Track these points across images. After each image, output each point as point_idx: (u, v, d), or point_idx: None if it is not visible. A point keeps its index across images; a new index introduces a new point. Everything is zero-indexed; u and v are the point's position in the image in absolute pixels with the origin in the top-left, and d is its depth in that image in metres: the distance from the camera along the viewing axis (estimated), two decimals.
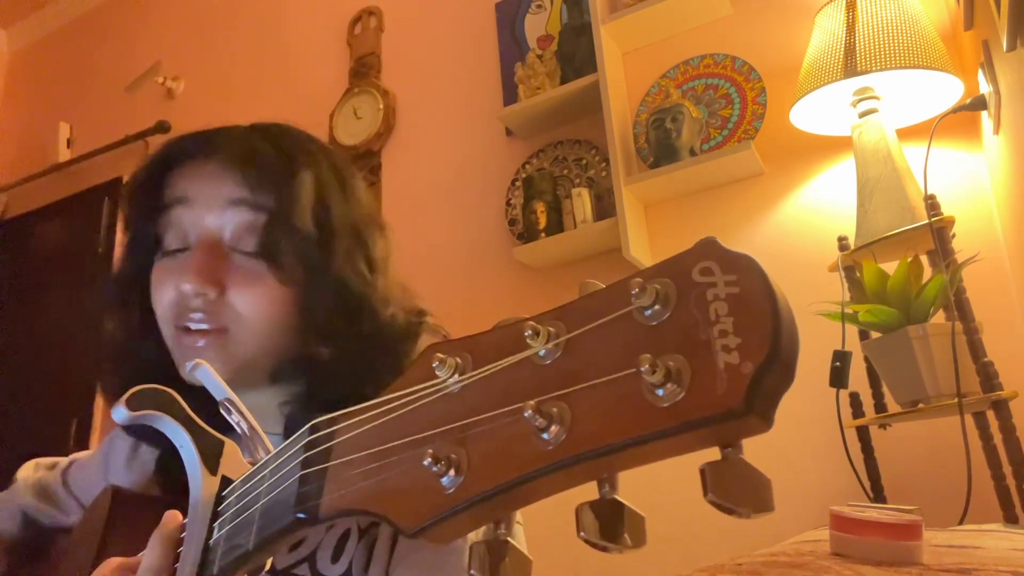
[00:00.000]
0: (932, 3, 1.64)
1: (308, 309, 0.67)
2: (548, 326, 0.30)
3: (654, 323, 0.27)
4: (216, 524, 0.45)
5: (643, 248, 1.83)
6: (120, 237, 2.98)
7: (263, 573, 0.46)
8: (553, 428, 0.28)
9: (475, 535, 0.31)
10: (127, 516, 0.63)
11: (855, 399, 1.41)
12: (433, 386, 0.33)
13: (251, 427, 0.48)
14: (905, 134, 1.54)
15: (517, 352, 0.30)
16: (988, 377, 1.22)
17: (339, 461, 0.36)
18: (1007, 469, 1.21)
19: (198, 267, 0.64)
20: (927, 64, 1.42)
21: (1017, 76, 1.14)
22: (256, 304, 0.65)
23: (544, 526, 1.82)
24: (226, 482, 0.47)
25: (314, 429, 0.39)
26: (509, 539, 0.30)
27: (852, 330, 1.42)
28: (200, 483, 0.47)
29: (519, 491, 0.29)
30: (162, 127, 2.90)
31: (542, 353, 0.29)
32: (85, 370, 2.79)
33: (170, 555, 0.47)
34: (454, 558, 0.60)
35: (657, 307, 0.27)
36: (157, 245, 0.69)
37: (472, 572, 0.29)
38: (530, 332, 0.29)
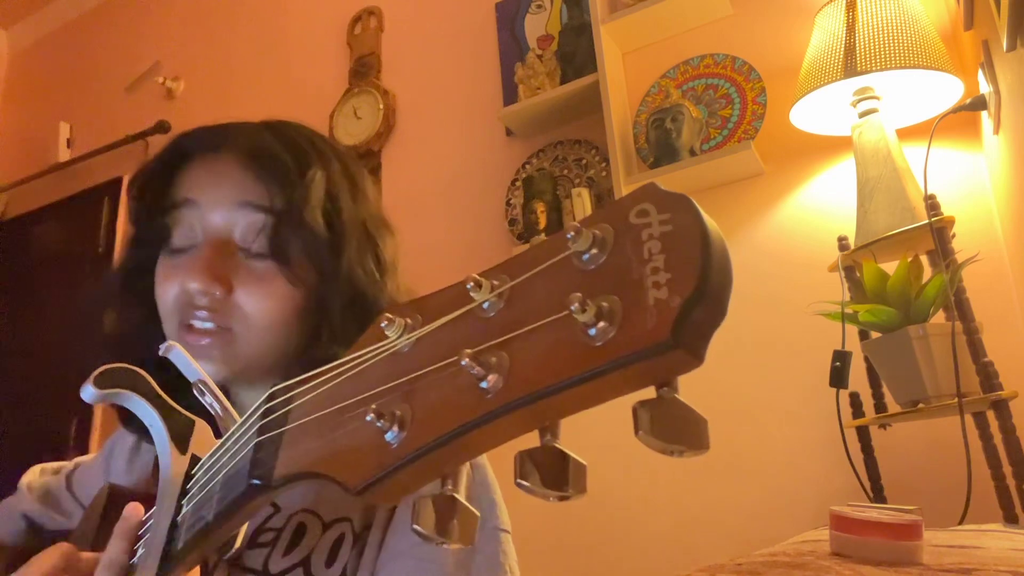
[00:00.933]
0: (932, 3, 1.64)
1: (318, 309, 0.66)
2: (492, 279, 0.30)
3: (591, 267, 0.27)
4: (184, 501, 0.45)
5: None
6: (120, 236, 2.98)
7: (233, 549, 0.46)
8: (491, 377, 0.27)
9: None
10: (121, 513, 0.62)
11: (855, 399, 1.41)
12: (383, 346, 0.33)
13: (224, 408, 0.48)
14: (905, 134, 1.54)
15: (463, 306, 0.30)
16: (988, 377, 1.22)
17: (293, 425, 0.36)
18: (1007, 469, 1.21)
19: (205, 266, 0.63)
20: (927, 64, 1.42)
21: (1017, 76, 1.14)
22: (264, 305, 0.64)
23: (543, 528, 1.83)
24: (195, 461, 0.47)
25: (271, 397, 0.39)
26: (456, 495, 0.29)
27: (852, 330, 1.42)
28: (169, 462, 0.47)
29: (460, 442, 0.28)
30: (162, 127, 2.90)
31: (485, 305, 0.30)
32: (85, 370, 2.79)
33: (128, 548, 0.47)
34: (434, 567, 0.60)
35: (594, 251, 0.27)
36: (163, 241, 0.68)
37: (415, 527, 0.29)
38: (472, 284, 0.30)
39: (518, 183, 2.12)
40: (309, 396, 0.36)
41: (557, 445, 0.27)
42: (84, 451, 2.66)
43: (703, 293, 0.24)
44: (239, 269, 0.65)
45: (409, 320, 0.32)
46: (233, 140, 0.69)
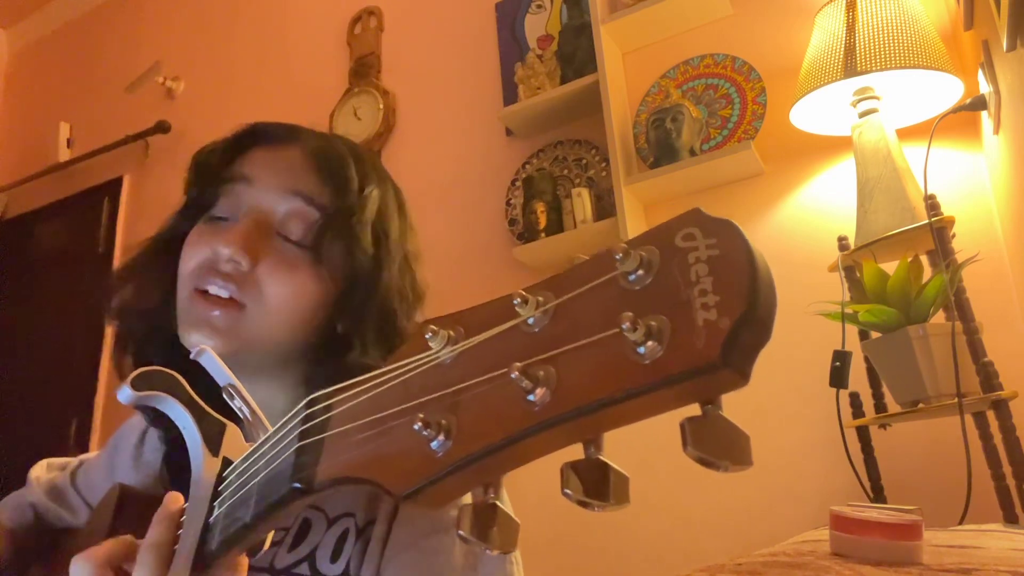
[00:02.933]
0: (932, 3, 1.64)
1: (346, 316, 0.67)
2: (537, 295, 0.30)
3: (637, 288, 0.28)
4: (216, 503, 0.46)
5: None
6: (121, 236, 2.98)
7: (262, 551, 0.47)
8: (539, 390, 0.28)
9: (466, 499, 0.31)
10: (133, 515, 0.63)
11: (855, 399, 1.41)
12: (426, 357, 0.33)
13: (253, 412, 0.49)
14: (905, 134, 1.54)
15: (507, 320, 0.31)
16: (988, 377, 1.22)
17: (335, 431, 0.37)
18: (1007, 469, 1.21)
19: (241, 233, 0.64)
20: (927, 64, 1.42)
21: (1017, 76, 1.14)
22: (283, 289, 0.64)
23: (544, 528, 1.83)
24: (226, 464, 0.48)
25: (311, 403, 0.40)
26: (498, 503, 0.30)
27: (852, 330, 1.42)
28: (201, 463, 0.47)
29: (506, 453, 0.29)
30: (162, 127, 2.90)
31: (531, 321, 0.30)
32: (85, 370, 2.79)
33: (171, 533, 0.47)
34: (441, 558, 0.61)
35: (640, 272, 0.28)
36: (206, 210, 0.69)
37: (460, 532, 0.30)
38: (519, 300, 0.30)
39: (518, 183, 2.12)
40: (351, 403, 0.37)
41: (601, 457, 0.28)
42: (84, 451, 2.66)
43: (752, 315, 0.24)
44: (271, 248, 0.65)
45: (452, 332, 0.33)
46: (304, 138, 0.71)
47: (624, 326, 0.26)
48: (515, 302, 0.30)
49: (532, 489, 1.92)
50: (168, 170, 2.89)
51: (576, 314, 0.29)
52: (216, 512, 0.45)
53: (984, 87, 1.37)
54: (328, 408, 0.38)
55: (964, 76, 1.49)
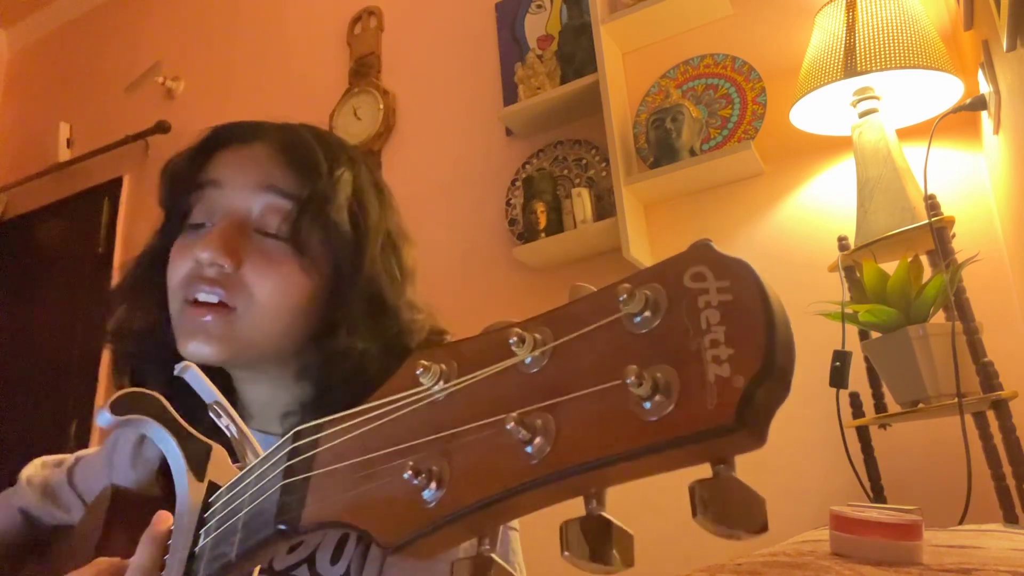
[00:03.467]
0: (932, 3, 1.64)
1: (333, 303, 0.67)
2: (535, 332, 0.29)
3: (643, 331, 0.26)
4: (202, 531, 0.45)
5: (643, 248, 1.83)
6: (121, 236, 2.98)
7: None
8: (537, 440, 0.27)
9: (460, 550, 0.30)
10: (126, 516, 0.62)
11: (855, 399, 1.41)
12: (417, 394, 0.32)
13: (240, 431, 0.48)
14: (905, 134, 1.54)
15: (502, 360, 0.29)
16: (988, 377, 1.22)
17: (321, 471, 0.35)
18: (1007, 469, 1.21)
19: (217, 236, 0.63)
20: (927, 64, 1.42)
21: (1017, 76, 1.14)
22: (271, 285, 0.64)
23: (543, 528, 1.82)
24: (213, 488, 0.47)
25: (297, 436, 0.38)
26: (493, 555, 0.29)
27: (852, 330, 1.42)
28: (187, 490, 0.46)
29: (501, 506, 0.28)
30: (162, 127, 2.90)
31: (528, 361, 0.29)
32: (85, 370, 2.79)
33: (159, 555, 0.46)
34: (443, 564, 0.60)
35: (647, 314, 0.26)
36: (184, 221, 0.69)
37: None
38: (515, 339, 0.28)
39: (518, 183, 2.12)
40: (338, 440, 0.35)
41: (603, 514, 0.27)
42: None
43: (768, 373, 0.23)
44: (251, 247, 0.65)
45: (444, 367, 0.31)
46: (267, 132, 0.71)
47: (629, 380, 0.24)
48: (511, 340, 0.28)
49: None
50: None
51: (576, 357, 0.27)
52: (202, 542, 0.44)
53: (984, 87, 1.37)
54: (315, 444, 0.37)
55: (964, 76, 1.49)
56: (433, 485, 0.29)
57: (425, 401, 0.31)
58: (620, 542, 0.26)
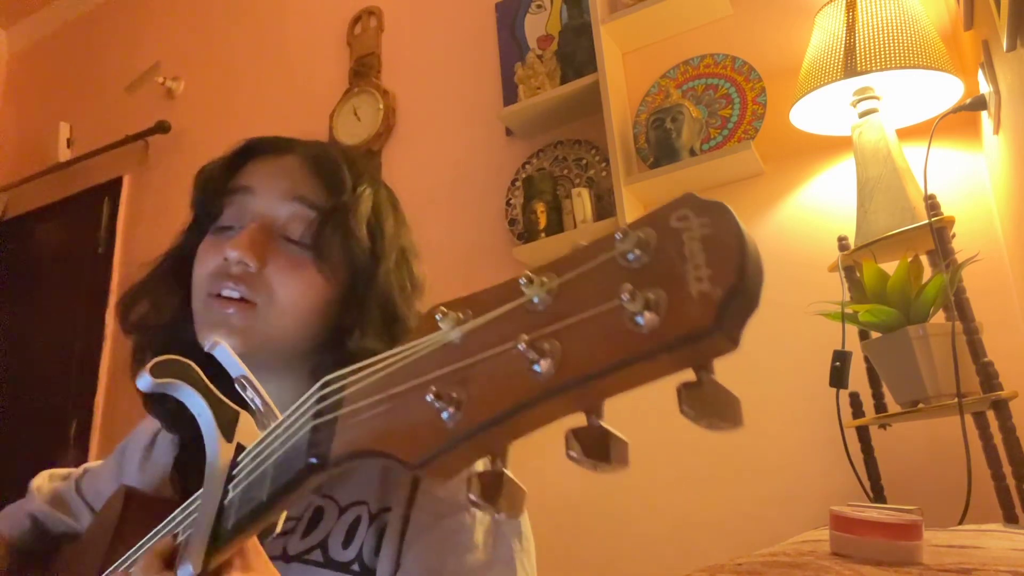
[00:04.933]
0: (932, 3, 1.64)
1: (349, 308, 0.70)
2: (541, 276, 0.33)
3: (636, 266, 0.30)
4: (230, 487, 0.47)
5: None
6: (121, 236, 2.98)
7: (273, 534, 0.48)
8: (544, 361, 0.30)
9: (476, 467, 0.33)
10: (139, 517, 0.63)
11: (855, 399, 1.41)
12: (436, 338, 0.35)
13: (265, 403, 0.50)
14: (905, 134, 1.54)
15: (513, 300, 0.33)
16: (988, 377, 1.22)
17: (349, 408, 0.38)
18: (1007, 469, 1.21)
19: (247, 237, 0.68)
20: (927, 64, 1.42)
21: (1017, 76, 1.14)
22: (291, 286, 0.68)
23: (544, 528, 1.82)
24: (240, 449, 0.49)
25: (325, 385, 0.41)
26: (505, 471, 0.32)
27: (852, 330, 1.42)
28: (216, 448, 0.49)
29: (513, 421, 0.31)
30: (162, 127, 2.90)
31: (536, 300, 0.32)
32: (85, 370, 2.79)
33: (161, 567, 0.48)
34: (462, 536, 0.64)
35: (638, 251, 0.30)
36: (213, 221, 0.73)
37: (471, 497, 0.31)
38: (524, 280, 0.32)
39: (518, 183, 2.12)
40: (363, 383, 0.38)
41: (602, 424, 0.30)
42: (84, 452, 2.66)
43: (741, 286, 0.27)
44: (277, 250, 0.69)
45: (460, 315, 0.35)
46: (299, 147, 0.76)
47: (623, 297, 0.28)
48: (521, 282, 0.32)
49: (532, 490, 1.92)
50: (168, 170, 2.89)
51: (578, 292, 0.31)
52: (231, 495, 0.46)
53: (984, 87, 1.37)
54: (342, 388, 0.40)
55: (964, 76, 1.49)
56: (452, 408, 0.32)
57: (443, 342, 0.35)
58: (616, 447, 0.30)
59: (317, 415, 0.40)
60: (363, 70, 2.54)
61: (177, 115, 2.95)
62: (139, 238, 2.94)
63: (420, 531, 0.65)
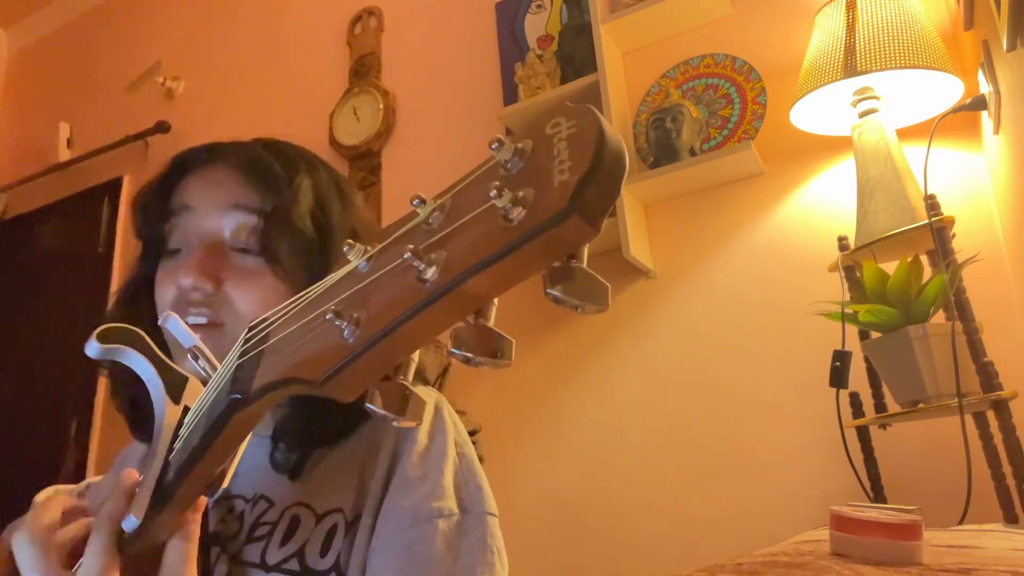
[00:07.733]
0: (932, 3, 1.64)
1: None
2: (437, 199, 0.35)
3: (514, 172, 0.31)
4: (175, 444, 0.48)
5: (643, 248, 1.83)
6: (120, 236, 2.98)
7: (221, 488, 0.49)
8: (430, 270, 0.32)
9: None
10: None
11: (855, 399, 1.41)
12: (344, 268, 0.38)
13: (216, 370, 0.51)
14: (905, 134, 1.54)
15: (411, 222, 0.35)
16: (988, 377, 1.22)
17: (268, 343, 0.41)
18: (1007, 469, 1.21)
19: (196, 262, 0.67)
20: (927, 64, 1.42)
21: (1017, 76, 1.14)
22: (252, 298, 0.68)
23: (544, 527, 1.82)
24: (187, 411, 0.50)
25: (249, 330, 0.44)
26: (406, 383, 0.34)
27: (852, 330, 1.42)
28: (163, 412, 0.50)
29: (404, 329, 0.32)
30: (162, 127, 2.90)
31: (430, 221, 0.34)
32: (85, 370, 2.79)
33: (125, 505, 0.49)
34: (423, 548, 0.63)
35: (516, 159, 0.31)
36: (162, 248, 0.72)
37: (369, 406, 0.33)
38: (417, 201, 0.34)
39: None
40: (282, 319, 0.41)
41: (488, 324, 0.32)
42: (84, 452, 2.66)
43: (596, 172, 0.28)
44: (229, 266, 0.69)
45: (368, 248, 0.37)
46: (227, 153, 0.74)
47: (492, 194, 0.30)
48: (414, 202, 0.34)
49: (532, 490, 1.92)
50: None
51: (463, 203, 0.33)
52: (176, 451, 0.48)
53: (984, 87, 1.37)
54: (265, 328, 0.42)
55: (964, 76, 1.49)
56: (352, 326, 0.34)
57: (349, 271, 0.37)
58: (501, 344, 0.32)
59: (241, 355, 0.42)
60: (363, 70, 2.54)
61: (177, 115, 2.95)
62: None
63: (383, 543, 0.64)
